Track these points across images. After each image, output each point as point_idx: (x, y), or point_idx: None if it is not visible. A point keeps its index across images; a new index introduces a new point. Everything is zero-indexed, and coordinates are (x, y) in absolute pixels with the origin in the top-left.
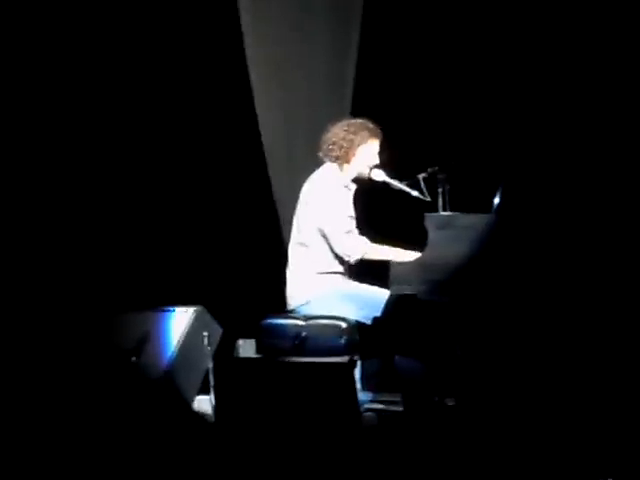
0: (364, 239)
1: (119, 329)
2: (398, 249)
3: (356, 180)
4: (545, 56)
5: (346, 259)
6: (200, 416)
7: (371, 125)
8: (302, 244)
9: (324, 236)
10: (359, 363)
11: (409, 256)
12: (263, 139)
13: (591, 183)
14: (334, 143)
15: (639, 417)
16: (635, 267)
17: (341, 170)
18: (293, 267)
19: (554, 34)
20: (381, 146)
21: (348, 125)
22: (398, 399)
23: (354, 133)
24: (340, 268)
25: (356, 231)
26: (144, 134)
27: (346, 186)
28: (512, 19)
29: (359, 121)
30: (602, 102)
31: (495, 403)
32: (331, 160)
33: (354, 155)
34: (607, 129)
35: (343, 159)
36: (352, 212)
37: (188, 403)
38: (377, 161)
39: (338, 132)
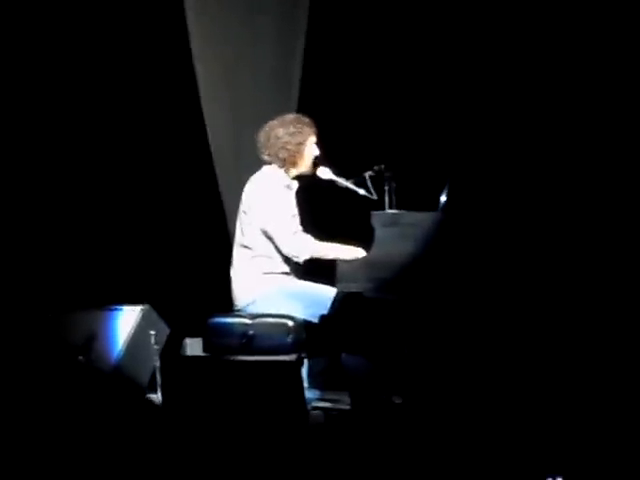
0: (310, 237)
1: (66, 328)
2: (345, 246)
3: (298, 177)
4: (487, 51)
5: (294, 259)
6: (152, 407)
7: (305, 119)
8: (246, 246)
9: (269, 238)
10: (306, 361)
11: (356, 253)
12: (210, 137)
13: (538, 180)
14: (280, 148)
15: (588, 413)
16: (578, 262)
17: (286, 171)
18: (238, 268)
19: (500, 26)
20: (327, 144)
21: (287, 125)
22: (345, 397)
23: (298, 133)
24: (286, 268)
25: (300, 229)
26: (90, 130)
27: (287, 186)
28: (454, 16)
29: (293, 117)
30: (548, 97)
31: (442, 401)
32: (277, 163)
33: (302, 157)
34: (553, 124)
35: (290, 162)
36: (295, 211)
37: (136, 400)
38: (317, 152)
39: (281, 134)
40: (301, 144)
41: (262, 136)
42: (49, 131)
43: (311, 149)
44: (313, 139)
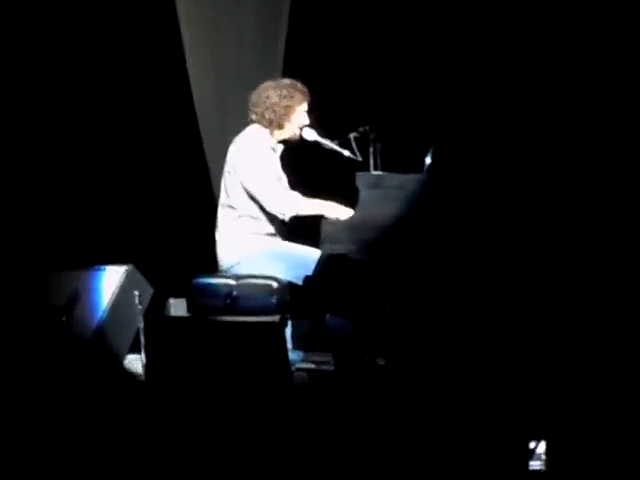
0: (297, 194)
1: (49, 288)
2: (332, 203)
3: (286, 141)
4: (475, 15)
5: (280, 217)
6: (131, 375)
7: (300, 86)
8: (230, 206)
9: (253, 198)
10: (290, 322)
11: (343, 211)
12: (195, 99)
13: (522, 141)
14: (269, 108)
15: (571, 378)
16: (559, 221)
17: (271, 133)
18: (222, 229)
19: None
20: (313, 105)
21: (280, 88)
22: (329, 359)
23: (289, 98)
24: (271, 229)
25: (287, 187)
26: (78, 91)
27: (272, 148)
28: None
29: (288, 82)
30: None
31: (425, 362)
32: (263, 124)
33: (289, 121)
34: (532, 87)
35: (276, 124)
36: (280, 174)
37: (119, 362)
38: (307, 121)
39: (271, 96)
40: (289, 108)
41: (254, 95)
42: (35, 97)
43: (300, 117)
44: (304, 107)
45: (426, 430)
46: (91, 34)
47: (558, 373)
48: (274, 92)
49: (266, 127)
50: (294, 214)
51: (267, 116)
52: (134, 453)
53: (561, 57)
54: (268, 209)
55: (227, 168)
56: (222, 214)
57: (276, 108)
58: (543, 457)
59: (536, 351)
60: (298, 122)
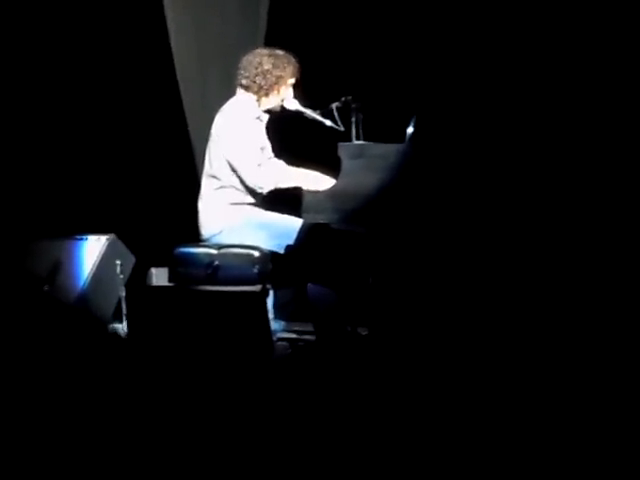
0: (281, 163)
1: (31, 257)
2: (313, 173)
3: (268, 110)
4: None
5: (258, 191)
6: (116, 339)
7: (293, 60)
8: (214, 176)
9: (234, 170)
10: (272, 292)
11: (323, 182)
12: (177, 70)
13: (505, 114)
14: (259, 74)
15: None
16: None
17: (258, 100)
18: (205, 198)
19: None
20: (297, 79)
21: (274, 57)
22: (311, 328)
23: (282, 69)
24: (252, 199)
25: (272, 156)
26: (59, 66)
27: (258, 117)
28: None
29: (282, 53)
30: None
31: (407, 332)
32: (252, 90)
33: (277, 91)
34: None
35: (264, 92)
36: (264, 143)
37: (101, 330)
38: (292, 95)
39: (264, 63)
40: (280, 78)
41: (245, 60)
42: (18, 73)
43: (287, 90)
44: (292, 81)
45: (407, 400)
46: (73, 8)
47: (533, 343)
48: (267, 60)
49: (254, 93)
50: (272, 188)
51: (257, 82)
52: (117, 423)
53: (538, 30)
54: (247, 183)
55: (212, 138)
56: (205, 184)
57: (268, 75)
58: None
59: (515, 321)
60: (284, 94)
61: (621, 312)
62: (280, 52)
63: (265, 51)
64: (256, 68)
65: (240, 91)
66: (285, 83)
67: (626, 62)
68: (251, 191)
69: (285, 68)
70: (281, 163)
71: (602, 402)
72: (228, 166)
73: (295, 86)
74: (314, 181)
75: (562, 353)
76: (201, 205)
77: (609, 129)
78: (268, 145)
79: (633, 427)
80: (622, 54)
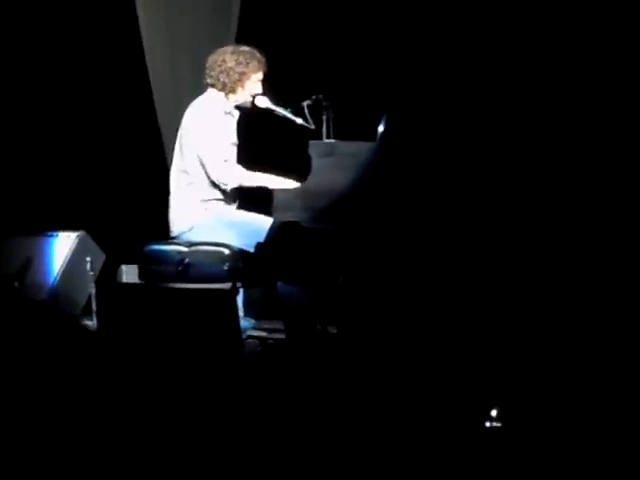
0: (239, 168)
1: (1, 254)
2: (276, 177)
3: (239, 107)
4: None
5: (222, 187)
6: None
7: (258, 55)
8: (184, 171)
9: (202, 164)
10: (242, 290)
11: (287, 184)
12: (148, 65)
13: (479, 115)
14: (223, 72)
15: (527, 348)
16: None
17: (225, 97)
18: (176, 193)
19: None
20: (266, 73)
21: (237, 54)
22: (280, 326)
23: (245, 65)
24: (222, 196)
25: (234, 158)
26: (27, 56)
27: (228, 112)
28: None
29: (247, 49)
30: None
31: (376, 331)
32: (217, 87)
33: (242, 87)
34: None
35: (229, 88)
36: (234, 139)
37: (71, 327)
38: (260, 90)
39: (227, 60)
40: (244, 74)
41: (211, 59)
42: None
43: (254, 85)
44: (259, 76)
45: (376, 398)
46: (45, 8)
47: (510, 342)
48: (231, 57)
49: (220, 90)
50: (236, 185)
51: (221, 79)
52: (87, 419)
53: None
54: (211, 177)
55: (181, 133)
56: (175, 178)
57: (230, 72)
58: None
59: (489, 318)
60: (251, 90)
61: (621, 312)
62: (245, 48)
63: (229, 48)
64: (219, 66)
65: (209, 89)
66: (249, 79)
67: (615, 62)
68: (219, 187)
69: (248, 64)
70: (239, 167)
71: (602, 402)
72: (198, 160)
73: (265, 84)
74: (278, 182)
75: (549, 354)
76: (172, 201)
77: (596, 128)
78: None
79: (633, 427)
80: (609, 54)
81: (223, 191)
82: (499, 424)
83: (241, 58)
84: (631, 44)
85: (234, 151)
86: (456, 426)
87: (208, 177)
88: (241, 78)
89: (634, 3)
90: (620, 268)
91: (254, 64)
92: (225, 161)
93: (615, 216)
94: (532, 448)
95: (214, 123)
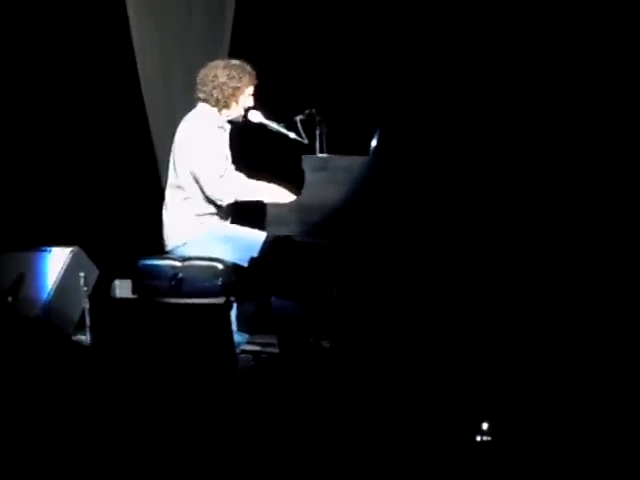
0: (241, 176)
1: None
2: (273, 186)
3: (231, 122)
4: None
5: (218, 203)
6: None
7: (249, 68)
8: (178, 186)
9: (196, 180)
10: (235, 305)
11: (284, 194)
12: (141, 79)
13: (471, 128)
14: (216, 87)
15: (515, 359)
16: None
17: (219, 112)
18: (170, 208)
19: None
20: (259, 88)
21: (229, 68)
22: (274, 341)
23: (238, 79)
24: (215, 210)
25: (232, 167)
26: (20, 68)
27: (221, 127)
28: None
29: (237, 63)
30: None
31: (370, 345)
32: (210, 103)
33: (236, 102)
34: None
35: (223, 104)
36: (227, 152)
37: (64, 342)
38: (252, 103)
39: (219, 75)
40: (237, 89)
41: (202, 74)
42: None
43: (246, 99)
44: (250, 90)
45: (370, 413)
46: (36, 13)
47: (501, 356)
48: (222, 72)
49: (213, 106)
50: (232, 201)
51: (215, 95)
52: (80, 434)
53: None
54: (207, 193)
55: (175, 148)
56: (170, 194)
57: (224, 88)
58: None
59: (480, 334)
60: (244, 103)
61: (621, 312)
62: (236, 62)
63: (220, 62)
64: (212, 82)
65: (200, 103)
66: (243, 93)
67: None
68: (213, 202)
69: (241, 78)
70: (242, 176)
71: (593, 417)
72: (192, 176)
73: (258, 98)
74: (274, 194)
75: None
76: (166, 216)
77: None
78: (229, 156)
79: (633, 427)
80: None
81: (218, 206)
82: (490, 438)
83: (233, 73)
84: (631, 44)
85: (228, 164)
86: (447, 440)
87: (203, 192)
88: (235, 93)
89: (634, 3)
90: (614, 279)
91: (246, 78)
92: (220, 177)
93: (614, 217)
94: (523, 462)
95: (208, 139)
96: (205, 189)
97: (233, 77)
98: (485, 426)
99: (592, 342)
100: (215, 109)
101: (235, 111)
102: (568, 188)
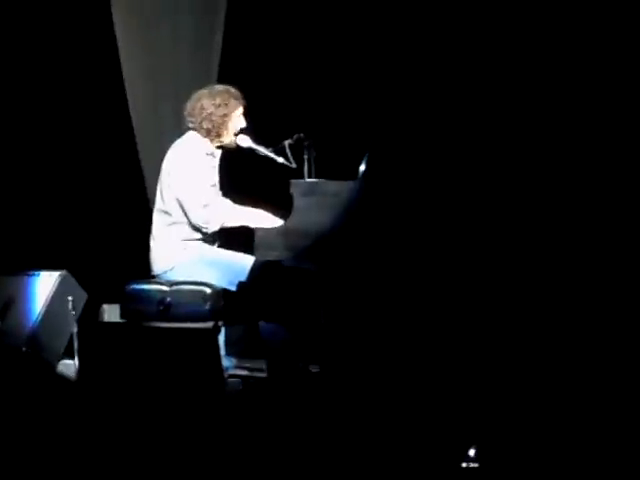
0: (227, 202)
1: None
2: (259, 212)
3: (221, 147)
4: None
5: (203, 230)
6: (64, 380)
7: (234, 91)
8: (165, 212)
9: (182, 207)
10: (223, 329)
11: (270, 220)
12: (130, 104)
13: (459, 153)
14: (205, 118)
15: (499, 381)
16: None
17: (210, 141)
18: (157, 234)
19: None
20: (247, 112)
21: (214, 96)
22: (262, 365)
23: (224, 106)
24: (202, 235)
25: (219, 194)
26: (10, 95)
27: (210, 153)
28: None
29: (222, 89)
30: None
31: (358, 370)
32: (201, 134)
33: (227, 129)
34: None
35: (215, 133)
36: (215, 180)
37: (52, 367)
38: (244, 124)
39: (206, 106)
40: (226, 116)
41: (189, 106)
42: None
43: (236, 121)
44: (239, 111)
45: (358, 438)
46: (26, 40)
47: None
48: (208, 101)
49: (204, 136)
50: (217, 229)
51: (205, 126)
52: (66, 457)
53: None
54: (192, 221)
55: (163, 173)
56: (157, 219)
57: (213, 118)
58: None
59: (467, 358)
60: (235, 127)
61: (621, 312)
62: (220, 87)
63: (204, 92)
64: (200, 113)
65: (191, 131)
66: (231, 118)
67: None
68: (199, 228)
69: (227, 105)
70: (228, 202)
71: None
72: (178, 203)
73: (247, 121)
74: (260, 220)
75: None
76: (153, 241)
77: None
78: (217, 182)
79: (633, 427)
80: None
81: (204, 232)
82: (476, 464)
83: (219, 100)
84: (631, 44)
85: (215, 191)
86: (433, 466)
87: (189, 220)
88: (224, 120)
89: (634, 3)
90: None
91: (232, 102)
92: (205, 206)
93: (614, 218)
94: None
95: (194, 167)
96: (190, 217)
97: (219, 105)
98: (472, 452)
99: (577, 370)
100: (207, 139)
101: (227, 137)
102: (560, 195)
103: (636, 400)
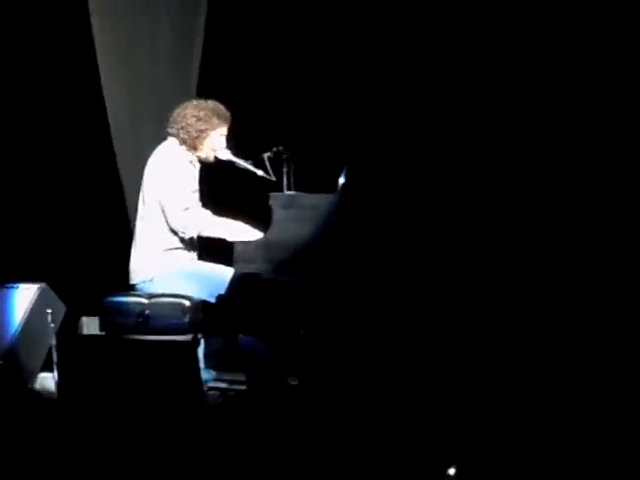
0: (207, 212)
1: None
2: (238, 224)
3: (200, 161)
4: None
5: (181, 234)
6: (42, 394)
7: (221, 109)
8: (146, 220)
9: (162, 210)
10: (203, 341)
11: (248, 232)
12: (109, 115)
13: (438, 164)
14: (183, 128)
15: (482, 401)
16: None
17: (187, 151)
18: (138, 241)
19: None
20: (229, 128)
21: (198, 109)
22: (242, 378)
23: (203, 121)
24: (180, 243)
25: (199, 204)
26: None
27: (191, 162)
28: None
29: (210, 105)
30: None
31: (337, 383)
32: (179, 142)
33: (201, 144)
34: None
35: (189, 145)
36: (195, 187)
37: (30, 380)
38: (224, 145)
39: (187, 116)
40: (203, 132)
41: (175, 112)
42: None
43: (215, 141)
44: (221, 131)
45: (337, 451)
46: (4, 53)
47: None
48: (192, 112)
49: (180, 145)
50: (195, 235)
51: (181, 135)
52: (46, 471)
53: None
54: (171, 224)
55: (144, 181)
56: (138, 228)
57: (190, 130)
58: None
59: (451, 375)
60: (212, 146)
61: (621, 312)
62: (210, 103)
63: (192, 103)
64: (180, 122)
65: (171, 138)
66: (208, 136)
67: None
68: (177, 234)
69: (208, 121)
70: (208, 213)
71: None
72: (160, 208)
73: (227, 135)
74: (239, 232)
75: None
76: (134, 249)
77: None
78: (198, 190)
79: (633, 427)
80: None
81: (182, 239)
82: None
83: (201, 114)
84: (631, 44)
85: (196, 198)
86: None
87: (168, 224)
88: (199, 135)
89: (634, 3)
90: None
91: (214, 121)
92: (186, 209)
93: (613, 218)
94: None
95: (176, 170)
96: (169, 219)
97: (200, 119)
98: (452, 471)
99: (576, 371)
100: (184, 147)
101: (202, 152)
102: (554, 196)
103: (636, 401)
